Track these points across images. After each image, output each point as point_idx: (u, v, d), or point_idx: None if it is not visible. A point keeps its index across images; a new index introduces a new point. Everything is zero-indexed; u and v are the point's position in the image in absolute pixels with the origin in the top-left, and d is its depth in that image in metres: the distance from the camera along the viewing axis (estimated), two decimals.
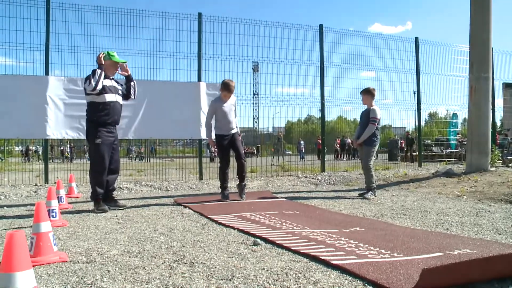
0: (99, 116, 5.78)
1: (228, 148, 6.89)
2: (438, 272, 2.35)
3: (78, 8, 8.94)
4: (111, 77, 6.01)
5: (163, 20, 9.68)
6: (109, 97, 5.83)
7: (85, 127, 5.94)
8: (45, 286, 2.57)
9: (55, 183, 6.94)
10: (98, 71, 5.68)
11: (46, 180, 8.88)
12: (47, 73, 8.63)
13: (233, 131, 6.93)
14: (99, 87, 5.63)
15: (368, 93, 7.17)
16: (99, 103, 5.77)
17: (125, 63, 6.16)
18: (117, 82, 6.16)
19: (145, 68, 9.55)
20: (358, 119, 7.68)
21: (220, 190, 6.96)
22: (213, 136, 6.98)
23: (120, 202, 6.15)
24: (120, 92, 6.12)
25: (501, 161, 12.38)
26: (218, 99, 6.92)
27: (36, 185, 8.61)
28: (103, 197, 5.85)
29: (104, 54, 5.89)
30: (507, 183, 7.43)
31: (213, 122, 6.99)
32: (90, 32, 9.13)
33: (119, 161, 6.25)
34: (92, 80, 5.58)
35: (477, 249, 3.26)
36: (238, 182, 7.04)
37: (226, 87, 6.78)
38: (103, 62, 5.83)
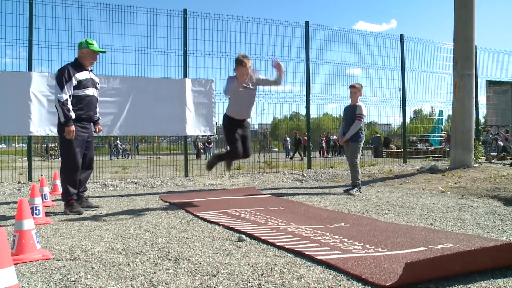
0: (74, 111, 5.30)
1: (238, 135, 5.78)
2: (421, 266, 2.38)
3: (61, 3, 8.82)
4: (89, 69, 5.61)
5: (148, 16, 9.60)
6: (86, 91, 5.44)
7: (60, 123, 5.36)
8: (28, 284, 2.54)
9: (39, 180, 6.85)
10: (70, 114, 5.19)
11: (30, 178, 8.77)
12: (30, 69, 8.51)
13: (247, 119, 5.97)
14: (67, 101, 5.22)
15: (357, 89, 7.19)
16: (74, 97, 5.34)
17: (104, 53, 5.75)
18: (95, 75, 5.76)
19: (129, 64, 9.45)
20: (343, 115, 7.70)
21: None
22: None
23: (93, 203, 5.79)
24: (97, 85, 5.75)
25: (484, 158, 12.54)
26: (235, 78, 5.65)
27: (19, 182, 8.49)
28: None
29: (83, 42, 5.48)
30: (489, 179, 7.53)
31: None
32: (74, 28, 9.02)
33: (93, 159, 5.86)
34: (63, 108, 5.16)
35: (460, 243, 3.30)
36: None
37: (238, 63, 5.58)
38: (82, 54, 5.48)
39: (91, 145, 5.73)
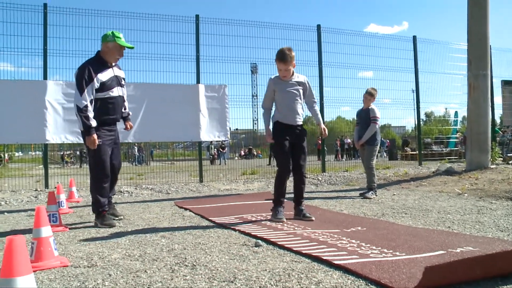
0: (99, 115, 4.82)
1: (289, 145, 4.87)
2: (441, 270, 2.34)
3: (75, 12, 8.95)
4: (113, 64, 5.05)
5: (160, 23, 9.70)
6: (111, 93, 4.93)
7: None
8: None
9: (55, 188, 6.92)
10: (89, 123, 4.67)
11: (46, 185, 8.87)
12: (45, 77, 8.63)
13: (298, 123, 4.96)
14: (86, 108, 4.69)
15: (373, 96, 7.11)
16: (98, 100, 4.84)
17: (132, 48, 5.25)
18: (120, 68, 5.22)
19: (143, 71, 9.56)
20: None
21: (272, 205, 4.95)
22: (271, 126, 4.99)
23: (118, 212, 5.38)
24: (123, 81, 5.16)
25: (501, 159, 12.38)
26: (277, 77, 4.95)
27: (36, 190, 8.59)
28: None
29: (108, 35, 4.92)
30: (507, 180, 7.42)
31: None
32: (89, 36, 9.14)
33: (121, 163, 5.38)
34: (81, 116, 4.64)
35: (479, 246, 3.25)
36: (294, 205, 5.05)
37: (279, 56, 4.75)
38: (106, 47, 4.92)
39: (117, 152, 5.17)
